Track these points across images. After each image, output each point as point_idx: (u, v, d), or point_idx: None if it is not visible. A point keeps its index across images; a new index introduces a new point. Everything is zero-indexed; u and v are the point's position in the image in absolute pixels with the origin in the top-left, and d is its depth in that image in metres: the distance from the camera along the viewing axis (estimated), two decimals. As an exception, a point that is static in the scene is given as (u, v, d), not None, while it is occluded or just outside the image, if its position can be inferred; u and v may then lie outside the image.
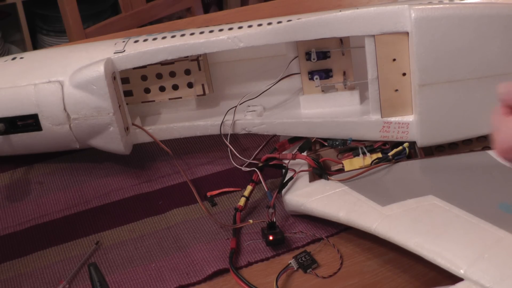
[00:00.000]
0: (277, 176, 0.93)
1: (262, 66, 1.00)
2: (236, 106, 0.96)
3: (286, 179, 0.89)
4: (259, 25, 0.93)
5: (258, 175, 0.90)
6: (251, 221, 0.86)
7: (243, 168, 0.94)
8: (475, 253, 0.72)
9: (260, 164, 0.92)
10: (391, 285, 0.78)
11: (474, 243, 0.73)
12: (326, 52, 0.95)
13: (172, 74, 0.98)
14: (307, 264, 0.81)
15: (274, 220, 0.85)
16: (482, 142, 0.89)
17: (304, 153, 0.93)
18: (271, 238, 0.84)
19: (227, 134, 0.96)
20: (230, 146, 0.95)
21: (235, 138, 1.00)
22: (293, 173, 0.89)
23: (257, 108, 0.98)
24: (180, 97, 0.99)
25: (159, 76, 0.98)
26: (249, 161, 0.94)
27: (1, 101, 0.93)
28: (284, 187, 0.88)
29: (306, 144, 0.94)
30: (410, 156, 0.89)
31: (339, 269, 0.81)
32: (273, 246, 0.84)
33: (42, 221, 0.92)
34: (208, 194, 0.93)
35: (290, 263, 0.80)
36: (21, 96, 0.92)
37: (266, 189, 0.89)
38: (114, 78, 0.93)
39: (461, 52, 0.84)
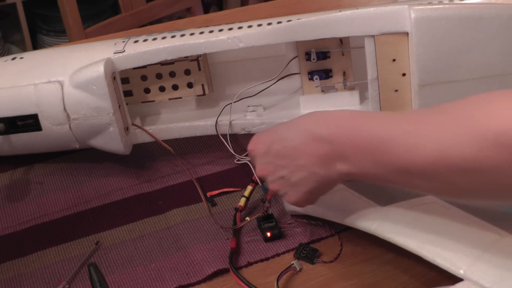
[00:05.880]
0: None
1: (262, 66, 1.00)
2: (231, 103, 0.96)
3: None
4: (259, 25, 0.93)
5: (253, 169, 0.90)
6: (248, 218, 0.86)
7: (236, 160, 0.96)
8: (475, 253, 0.72)
9: None
10: (391, 285, 0.78)
11: (474, 243, 0.72)
12: (326, 52, 0.95)
13: (172, 74, 0.98)
14: (311, 254, 0.81)
15: (270, 212, 0.85)
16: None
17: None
18: (268, 235, 0.84)
19: (225, 134, 0.96)
20: (224, 140, 0.96)
21: (235, 138, 1.00)
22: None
23: (257, 108, 0.98)
24: (180, 97, 0.99)
25: (159, 76, 0.98)
26: (247, 159, 0.95)
27: (1, 101, 0.93)
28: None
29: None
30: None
31: (340, 251, 0.82)
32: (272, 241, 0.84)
33: (42, 221, 0.92)
34: (208, 194, 0.93)
35: (293, 263, 0.80)
36: (21, 96, 0.92)
37: (260, 184, 0.88)
38: (114, 78, 0.93)
39: (461, 53, 0.84)
